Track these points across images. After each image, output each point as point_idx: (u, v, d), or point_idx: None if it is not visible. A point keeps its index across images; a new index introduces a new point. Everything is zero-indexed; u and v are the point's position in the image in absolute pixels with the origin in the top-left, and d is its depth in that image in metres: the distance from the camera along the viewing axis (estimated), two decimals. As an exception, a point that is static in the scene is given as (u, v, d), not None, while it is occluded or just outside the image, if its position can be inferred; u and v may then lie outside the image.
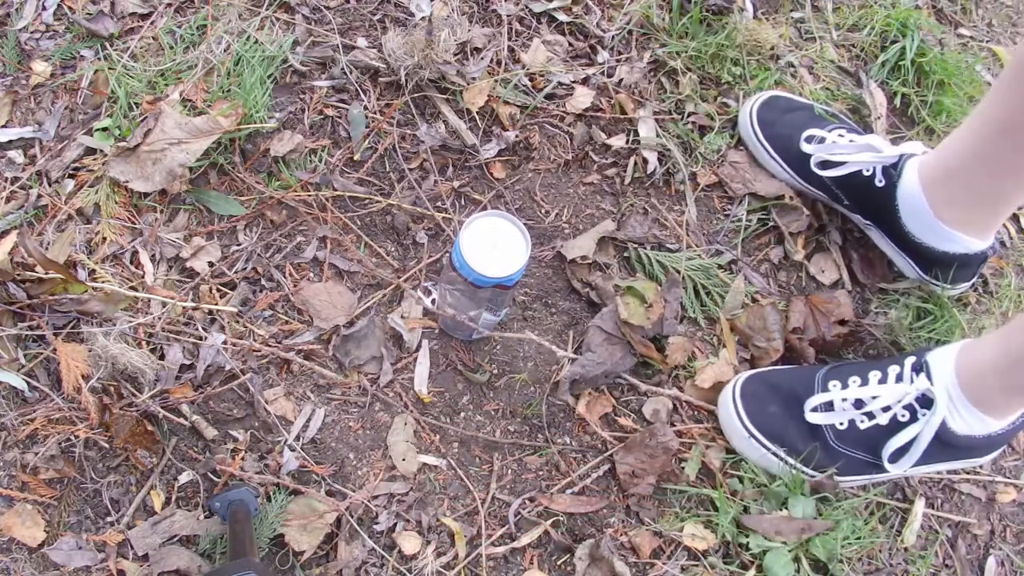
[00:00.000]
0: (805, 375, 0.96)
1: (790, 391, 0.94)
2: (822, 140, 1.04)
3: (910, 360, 0.91)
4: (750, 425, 0.93)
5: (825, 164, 1.04)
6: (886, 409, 0.90)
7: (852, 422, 0.91)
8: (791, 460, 0.93)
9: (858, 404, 0.91)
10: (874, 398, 0.90)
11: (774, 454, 0.93)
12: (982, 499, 1.03)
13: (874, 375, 0.92)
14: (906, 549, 0.98)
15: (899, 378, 0.90)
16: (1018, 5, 1.42)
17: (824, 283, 1.08)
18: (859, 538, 0.95)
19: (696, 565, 0.91)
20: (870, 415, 0.90)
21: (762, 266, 1.08)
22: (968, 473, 1.02)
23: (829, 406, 0.92)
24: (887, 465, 0.90)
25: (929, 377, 0.88)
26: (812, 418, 0.92)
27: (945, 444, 0.88)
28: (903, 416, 0.89)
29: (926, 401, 0.88)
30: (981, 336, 0.97)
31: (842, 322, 1.03)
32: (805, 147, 1.05)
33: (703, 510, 0.94)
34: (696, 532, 0.92)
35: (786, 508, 0.94)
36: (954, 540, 1.00)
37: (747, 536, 0.92)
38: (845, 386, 0.92)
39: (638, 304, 0.96)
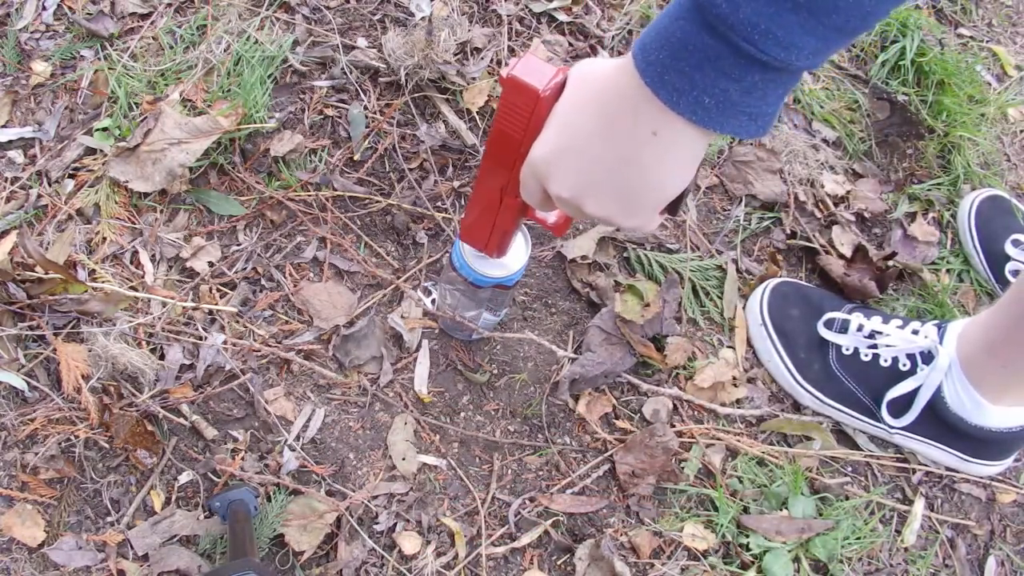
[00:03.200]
0: (837, 300, 1.00)
1: (816, 304, 0.99)
2: None
3: (934, 322, 0.94)
4: (767, 317, 0.97)
5: (1017, 273, 1.08)
6: (890, 348, 0.93)
7: (857, 350, 0.94)
8: (790, 366, 0.96)
9: (870, 336, 0.94)
10: (886, 336, 0.93)
11: (777, 352, 0.97)
12: (982, 499, 1.03)
13: (896, 321, 0.95)
14: (906, 549, 0.98)
15: (915, 332, 0.93)
16: (1018, 5, 1.42)
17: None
18: (859, 538, 0.95)
19: (696, 565, 0.91)
20: (875, 348, 0.93)
21: (762, 264, 1.08)
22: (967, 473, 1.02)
23: (844, 327, 0.95)
24: (884, 414, 0.93)
25: (941, 338, 0.91)
26: (823, 331, 0.96)
27: (938, 417, 0.91)
28: (904, 365, 0.92)
29: (928, 357, 0.91)
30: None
31: (887, 257, 1.07)
32: (1009, 249, 1.10)
33: (703, 510, 0.94)
34: (696, 532, 0.92)
35: (786, 508, 0.95)
36: (954, 540, 1.00)
37: (747, 536, 0.92)
38: (867, 317, 0.96)
39: (636, 301, 0.96)
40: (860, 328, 0.95)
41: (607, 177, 0.51)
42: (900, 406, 0.93)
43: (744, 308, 1.03)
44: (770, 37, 0.41)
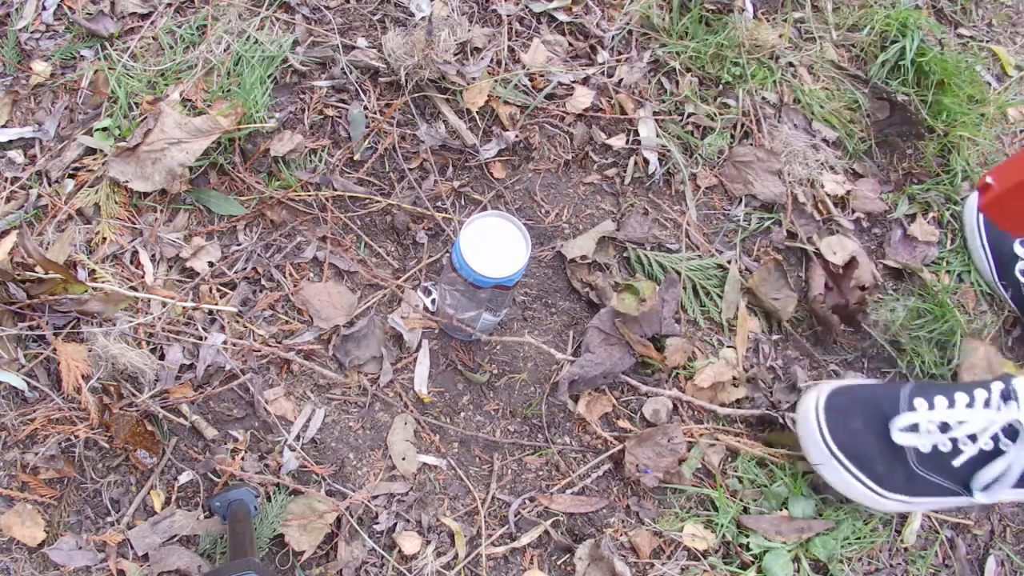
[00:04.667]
0: (890, 391, 0.92)
1: (876, 407, 0.91)
2: None
3: (998, 386, 0.88)
4: (832, 443, 0.90)
5: None
6: (972, 437, 0.87)
7: (936, 447, 0.88)
8: (872, 485, 0.90)
9: (943, 427, 0.88)
10: (960, 423, 0.87)
11: (855, 477, 0.90)
12: (982, 499, 1.03)
13: (961, 397, 0.89)
14: (906, 549, 0.98)
15: (987, 403, 0.88)
16: (1018, 5, 1.42)
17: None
18: (859, 538, 0.95)
19: (696, 565, 0.91)
20: (955, 442, 0.88)
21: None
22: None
23: (914, 427, 0.89)
24: (978, 495, 0.87)
25: (1018, 406, 0.85)
26: (898, 438, 0.88)
27: None
28: (987, 446, 0.87)
29: (1012, 432, 0.86)
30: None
31: (862, 287, 1.04)
32: (1018, 249, 1.08)
33: (703, 510, 0.95)
34: (696, 532, 0.92)
35: (786, 508, 0.95)
36: (954, 540, 1.00)
37: (747, 536, 0.92)
38: (931, 407, 0.89)
39: (633, 300, 0.96)
40: (931, 422, 0.88)
41: None
42: (991, 483, 0.88)
43: (796, 428, 0.94)
44: None
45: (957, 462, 0.88)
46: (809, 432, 0.91)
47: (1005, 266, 1.10)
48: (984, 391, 0.89)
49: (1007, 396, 0.87)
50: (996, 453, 0.86)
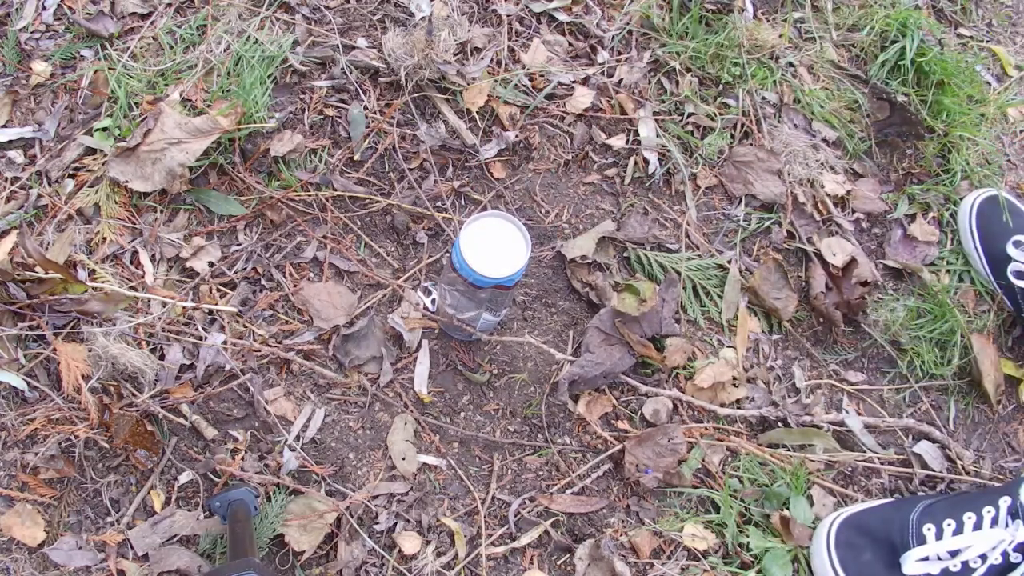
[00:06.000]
0: (899, 517, 0.93)
1: (885, 538, 0.92)
2: None
3: (1005, 502, 0.89)
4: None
5: (1021, 274, 1.08)
6: (982, 557, 0.88)
7: (946, 569, 0.89)
8: None
9: (953, 553, 0.89)
10: (969, 547, 0.88)
11: None
12: (982, 499, 1.03)
13: (969, 519, 0.90)
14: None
15: (994, 521, 0.89)
16: (1018, 5, 1.42)
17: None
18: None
19: (696, 565, 0.91)
20: (965, 564, 0.88)
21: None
22: (968, 474, 1.02)
23: (924, 558, 0.90)
24: None
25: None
26: (910, 569, 0.89)
27: None
28: (996, 560, 0.88)
29: (1022, 547, 0.87)
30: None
31: (863, 283, 1.05)
32: (1011, 250, 1.09)
33: (703, 510, 0.94)
34: (696, 532, 0.92)
35: (787, 508, 0.95)
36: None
37: (747, 536, 0.92)
38: (940, 534, 0.90)
39: (633, 299, 0.96)
40: (940, 549, 0.89)
41: None
42: None
43: (812, 563, 0.94)
44: None
45: None
46: (822, 568, 0.92)
47: (998, 267, 1.11)
48: (991, 508, 0.90)
49: (1015, 513, 0.88)
50: (1008, 568, 0.88)
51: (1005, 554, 0.88)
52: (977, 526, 0.89)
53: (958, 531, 0.90)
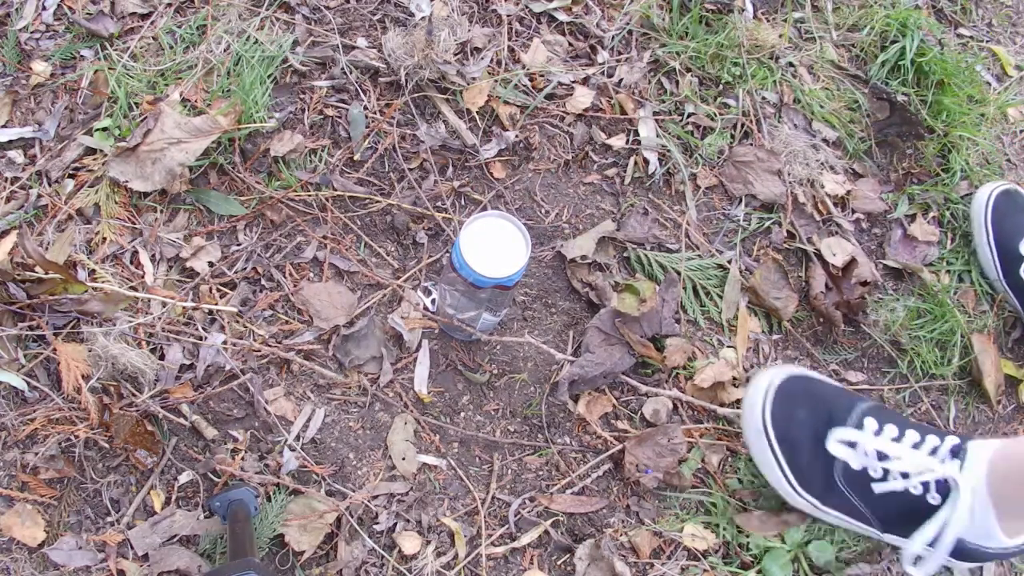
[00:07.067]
0: (848, 400, 0.91)
1: (825, 408, 0.89)
2: None
3: (952, 440, 0.85)
4: (768, 419, 0.89)
5: None
6: (904, 475, 0.85)
7: (866, 469, 0.86)
8: (789, 476, 0.89)
9: (881, 456, 0.86)
10: (898, 458, 0.85)
11: (776, 460, 0.89)
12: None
13: (911, 435, 0.86)
14: (906, 549, 0.98)
15: (933, 452, 0.85)
16: (1018, 5, 1.42)
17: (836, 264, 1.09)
18: (857, 540, 0.95)
19: (696, 565, 0.91)
20: (887, 472, 0.85)
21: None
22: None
23: (852, 444, 0.87)
24: (909, 569, 0.85)
25: (961, 466, 0.82)
26: (832, 447, 0.87)
27: (957, 548, 0.84)
28: (915, 489, 0.84)
29: (944, 488, 0.83)
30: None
31: (863, 283, 1.05)
32: (1023, 249, 1.08)
33: (703, 511, 0.94)
34: (696, 532, 0.92)
35: (786, 508, 0.94)
36: (954, 540, 1.00)
37: (747, 536, 0.92)
38: (878, 432, 0.87)
39: (633, 299, 0.96)
40: (870, 446, 0.86)
41: None
42: (921, 553, 0.85)
43: (743, 402, 0.93)
44: None
45: (880, 489, 0.86)
46: (752, 402, 0.91)
47: (1009, 266, 1.09)
48: (936, 439, 0.86)
49: (956, 453, 0.84)
50: (921, 503, 0.84)
51: (926, 486, 0.84)
52: (916, 446, 0.86)
53: (896, 440, 0.86)
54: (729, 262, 1.07)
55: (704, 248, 1.07)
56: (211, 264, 0.96)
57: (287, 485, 0.87)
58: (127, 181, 0.95)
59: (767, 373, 0.92)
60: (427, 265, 1.01)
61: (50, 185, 0.97)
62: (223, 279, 0.96)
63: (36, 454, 0.85)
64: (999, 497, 0.80)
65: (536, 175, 1.08)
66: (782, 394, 0.90)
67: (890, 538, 0.89)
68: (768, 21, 1.22)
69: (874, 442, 0.86)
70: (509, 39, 1.12)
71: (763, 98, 1.16)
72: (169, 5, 1.07)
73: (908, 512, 0.85)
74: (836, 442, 0.87)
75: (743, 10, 1.19)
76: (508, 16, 1.13)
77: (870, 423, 0.87)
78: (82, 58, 1.04)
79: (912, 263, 1.12)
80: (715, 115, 1.13)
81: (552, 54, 1.13)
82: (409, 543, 0.88)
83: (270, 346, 0.93)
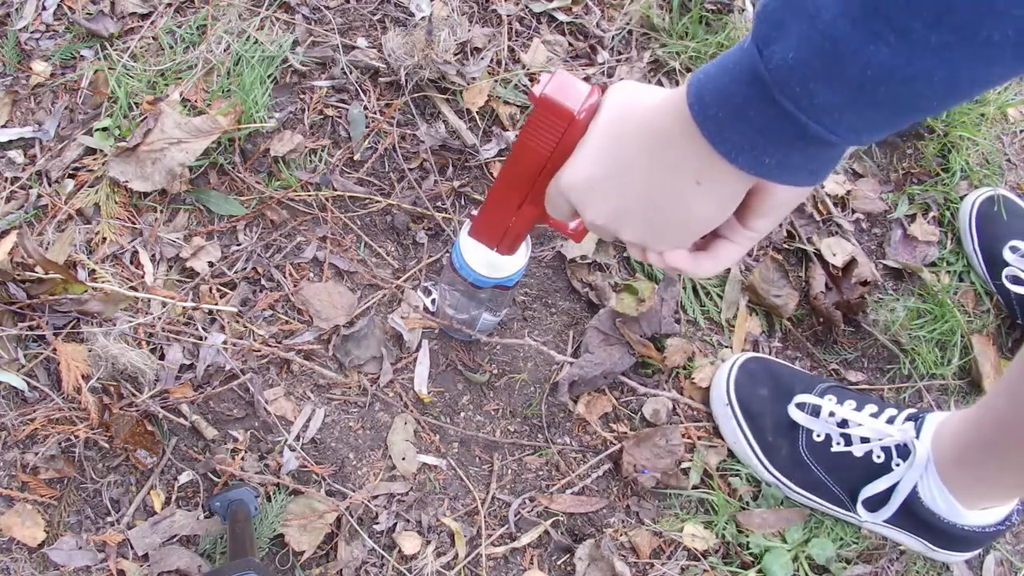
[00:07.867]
0: (808, 379, 0.96)
1: (787, 384, 0.95)
2: None
3: (909, 410, 0.90)
4: (733, 396, 0.94)
5: (1016, 279, 1.07)
6: (864, 440, 0.89)
7: (828, 437, 0.90)
8: (757, 450, 0.93)
9: (842, 423, 0.90)
10: (859, 424, 0.89)
11: (743, 433, 0.93)
12: (982, 499, 1.03)
13: (870, 407, 0.91)
14: (904, 551, 0.98)
15: (891, 420, 0.89)
16: (1018, 5, 1.42)
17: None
18: (856, 540, 0.95)
19: (696, 565, 0.91)
20: (847, 439, 0.89)
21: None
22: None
23: (815, 411, 0.91)
24: (859, 509, 0.89)
25: (918, 431, 0.86)
26: (794, 414, 0.91)
27: (911, 510, 0.87)
28: (878, 457, 0.88)
29: (904, 451, 0.86)
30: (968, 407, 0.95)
31: (863, 283, 1.05)
32: (1007, 255, 1.08)
33: (703, 511, 0.95)
34: (696, 532, 0.92)
35: (785, 507, 0.95)
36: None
37: (747, 536, 0.92)
38: (839, 403, 0.91)
39: (633, 299, 0.96)
40: (832, 414, 0.90)
41: (645, 210, 0.50)
42: (875, 502, 0.89)
43: (710, 384, 0.98)
44: (843, 124, 0.39)
45: (841, 458, 0.90)
46: (718, 381, 0.96)
47: (994, 269, 1.10)
48: (894, 410, 0.90)
49: (913, 419, 0.88)
50: (885, 469, 0.87)
51: (887, 451, 0.87)
52: (874, 416, 0.90)
53: (856, 410, 0.91)
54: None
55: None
56: (211, 264, 0.96)
57: (287, 485, 0.87)
58: (127, 181, 0.95)
59: (732, 357, 0.98)
60: (427, 265, 1.01)
61: (50, 185, 0.97)
62: (223, 279, 0.96)
63: (36, 454, 0.85)
64: (941, 464, 0.84)
65: (536, 175, 1.08)
66: (744, 372, 0.95)
67: (861, 510, 0.91)
68: (768, 21, 1.22)
69: (835, 409, 0.91)
70: (509, 39, 1.12)
71: (763, 98, 1.16)
72: (169, 5, 1.07)
73: (872, 480, 0.89)
74: (796, 407, 0.92)
75: (743, 10, 1.19)
76: (508, 16, 1.13)
77: (828, 400, 0.92)
78: (82, 58, 1.04)
79: (912, 263, 1.12)
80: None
81: (552, 54, 1.13)
82: (409, 543, 0.88)
83: (270, 346, 0.93)
